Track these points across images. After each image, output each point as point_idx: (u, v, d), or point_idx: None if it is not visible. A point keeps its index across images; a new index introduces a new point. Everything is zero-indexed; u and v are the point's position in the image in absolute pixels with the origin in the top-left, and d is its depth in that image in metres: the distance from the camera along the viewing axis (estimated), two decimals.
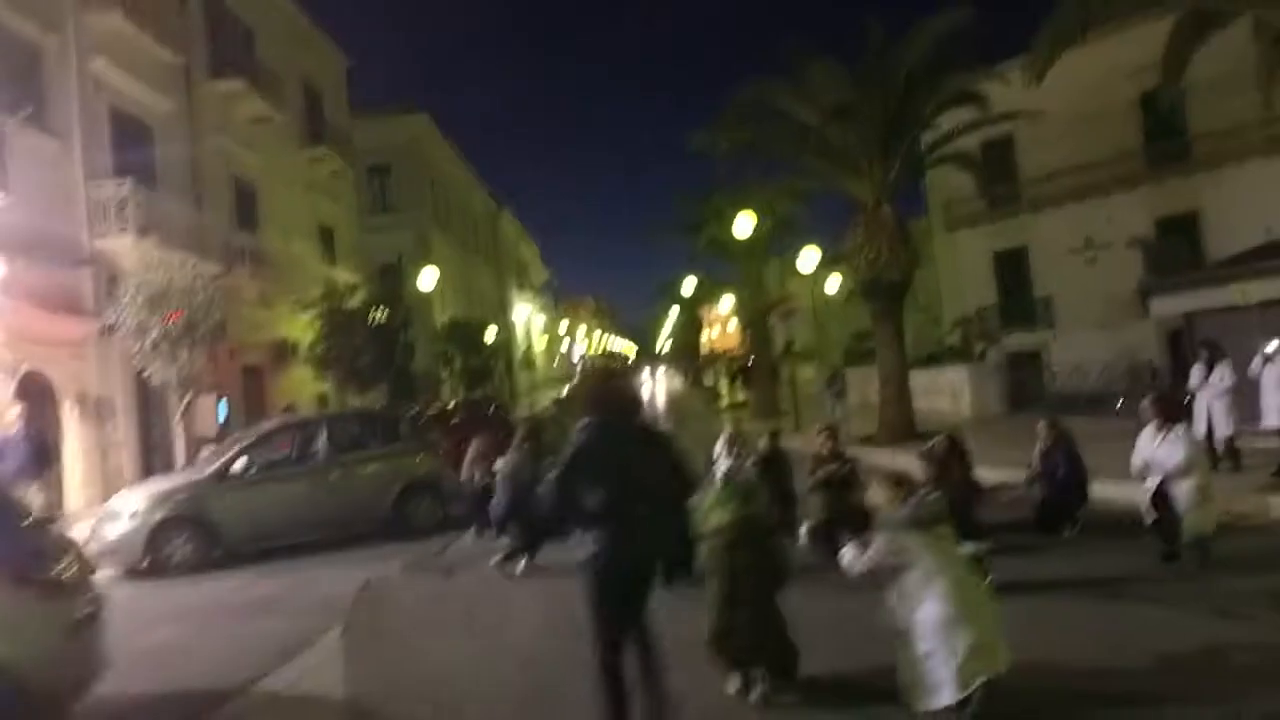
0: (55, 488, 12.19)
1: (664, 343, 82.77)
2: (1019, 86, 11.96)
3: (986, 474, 8.89)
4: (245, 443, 9.57)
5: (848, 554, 3.76)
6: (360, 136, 29.57)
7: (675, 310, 47.74)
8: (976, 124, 14.55)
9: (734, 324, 55.27)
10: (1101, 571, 5.78)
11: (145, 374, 11.96)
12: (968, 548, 5.38)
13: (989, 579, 5.26)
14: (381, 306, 20.39)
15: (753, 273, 23.77)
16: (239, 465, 9.06)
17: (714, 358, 53.25)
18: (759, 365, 24.84)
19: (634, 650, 3.63)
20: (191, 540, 8.63)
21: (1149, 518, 5.86)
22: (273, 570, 8.47)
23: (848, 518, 6.63)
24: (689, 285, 32.05)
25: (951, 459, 6.92)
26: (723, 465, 9.94)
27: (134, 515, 8.56)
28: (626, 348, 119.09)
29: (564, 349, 76.93)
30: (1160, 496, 5.77)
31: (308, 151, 23.15)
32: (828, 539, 6.79)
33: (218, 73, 18.31)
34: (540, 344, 63.64)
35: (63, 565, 3.96)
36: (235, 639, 6.04)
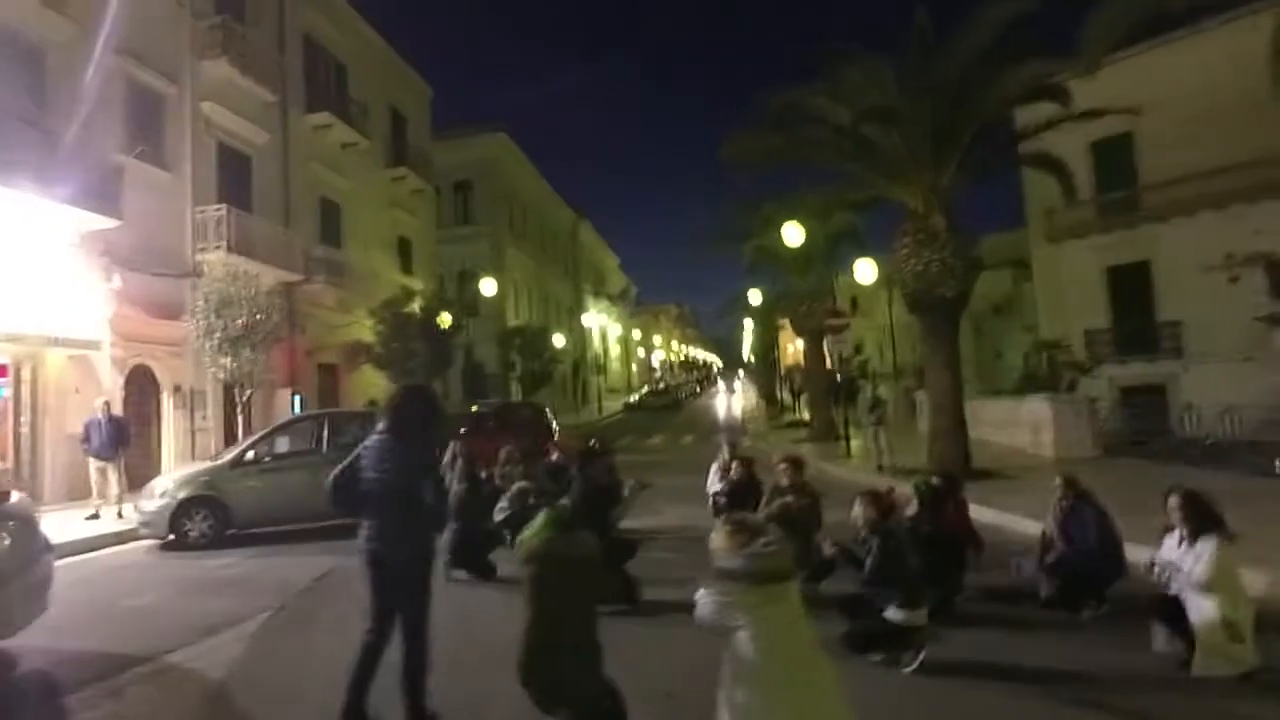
0: (152, 462, 14.66)
1: (747, 355, 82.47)
2: (1131, 79, 10.84)
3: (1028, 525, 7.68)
4: (260, 434, 10.94)
5: (699, 597, 3.11)
6: (445, 155, 32.30)
7: (749, 322, 47.42)
8: (1054, 121, 12.52)
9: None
10: (1102, 667, 4.69)
11: (212, 370, 14.12)
12: (894, 615, 4.80)
13: (918, 655, 4.71)
14: (442, 311, 22.43)
15: (806, 286, 22.04)
16: (252, 454, 10.31)
17: (790, 373, 52.78)
18: (814, 384, 23.08)
19: (402, 644, 3.97)
20: (208, 518, 9.72)
21: (1157, 639, 4.84)
22: (266, 551, 9.18)
23: (804, 559, 5.82)
24: (754, 297, 31.32)
25: (945, 501, 6.29)
26: (714, 488, 9.23)
27: (164, 494, 9.73)
28: (709, 357, 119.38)
29: (641, 356, 78.61)
30: (1174, 602, 4.71)
31: (390, 172, 25.69)
32: None
33: (311, 106, 20.92)
34: (615, 350, 65.55)
35: None
36: (186, 611, 6.59)
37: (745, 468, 8.37)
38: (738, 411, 41.81)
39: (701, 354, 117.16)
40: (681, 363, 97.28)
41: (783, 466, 7.09)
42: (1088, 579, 5.64)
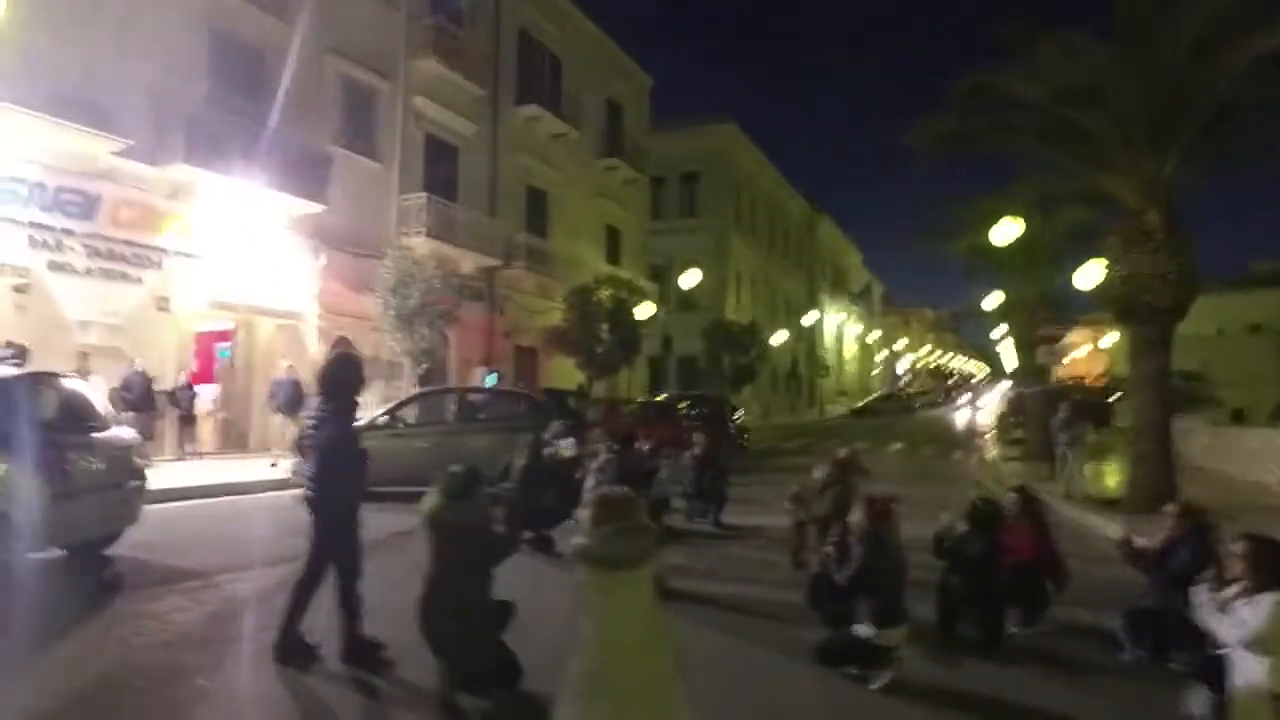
0: None
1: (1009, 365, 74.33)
2: None
3: None
4: (394, 403, 11.60)
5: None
6: (672, 146, 32.46)
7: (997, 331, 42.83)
8: None
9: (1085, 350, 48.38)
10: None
11: (391, 344, 15.08)
12: (865, 630, 4.46)
13: (886, 673, 4.36)
14: (639, 301, 22.29)
15: (1023, 291, 20.09)
16: (383, 419, 10.87)
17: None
18: (1033, 400, 21.07)
19: (337, 576, 4.52)
20: None
21: (1191, 700, 4.17)
22: (379, 507, 9.08)
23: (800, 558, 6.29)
24: (990, 302, 28.42)
25: (1005, 523, 5.81)
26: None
27: None
28: (971, 366, 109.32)
29: (884, 358, 73.74)
30: (1217, 661, 4.05)
31: (602, 162, 26.21)
32: (822, 593, 5.95)
33: (522, 98, 21.86)
34: (849, 352, 62.02)
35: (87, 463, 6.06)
36: (274, 545, 7.15)
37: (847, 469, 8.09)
38: (974, 423, 38.40)
39: (961, 362, 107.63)
40: (931, 370, 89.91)
41: (825, 469, 7.10)
42: (1169, 622, 4.88)
